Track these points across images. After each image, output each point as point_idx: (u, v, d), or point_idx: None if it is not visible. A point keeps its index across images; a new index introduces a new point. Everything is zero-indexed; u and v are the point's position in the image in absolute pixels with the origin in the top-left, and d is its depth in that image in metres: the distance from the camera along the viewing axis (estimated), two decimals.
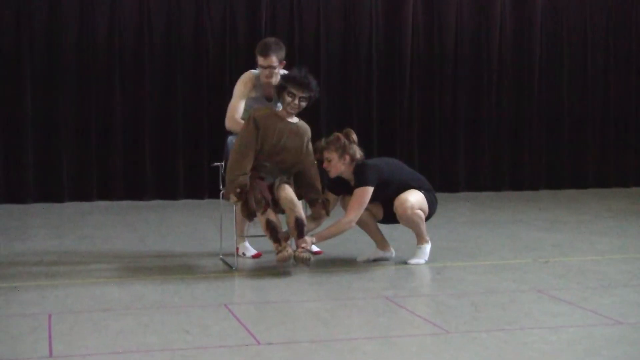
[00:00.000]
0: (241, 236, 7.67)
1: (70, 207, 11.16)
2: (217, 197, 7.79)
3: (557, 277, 6.88)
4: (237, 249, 7.61)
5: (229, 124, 7.57)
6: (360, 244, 7.82)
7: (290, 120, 7.24)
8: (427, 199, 7.31)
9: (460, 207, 11.48)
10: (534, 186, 13.38)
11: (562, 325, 5.44)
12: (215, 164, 7.55)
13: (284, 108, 7.22)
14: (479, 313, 5.76)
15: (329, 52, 12.55)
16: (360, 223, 7.29)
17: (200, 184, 11.92)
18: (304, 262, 6.94)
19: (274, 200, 7.10)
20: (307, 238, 7.02)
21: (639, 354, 4.88)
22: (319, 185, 7.37)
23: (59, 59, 11.49)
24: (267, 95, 7.65)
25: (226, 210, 7.81)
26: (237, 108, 7.55)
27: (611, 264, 7.40)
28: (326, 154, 7.18)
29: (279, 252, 6.93)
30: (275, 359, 4.76)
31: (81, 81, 11.62)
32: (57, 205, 11.30)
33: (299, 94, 7.13)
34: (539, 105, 13.40)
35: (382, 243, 7.53)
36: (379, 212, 7.44)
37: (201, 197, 11.92)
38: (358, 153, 7.21)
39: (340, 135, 7.21)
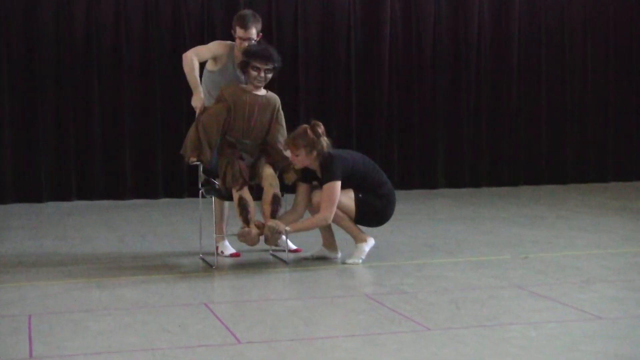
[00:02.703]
0: (220, 235, 7.68)
1: (50, 208, 11.11)
2: (197, 195, 7.79)
3: (536, 273, 6.91)
4: (217, 247, 7.61)
5: (184, 58, 7.58)
6: (338, 241, 7.78)
7: (258, 93, 7.32)
8: (363, 204, 7.28)
9: (439, 203, 11.51)
10: (513, 182, 13.41)
11: (541, 321, 5.46)
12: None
13: (250, 82, 7.33)
14: (459, 310, 5.78)
15: (307, 49, 12.52)
16: None
17: (179, 182, 11.90)
18: (276, 232, 6.97)
19: (251, 186, 7.17)
20: (281, 225, 7.03)
21: (618, 348, 4.90)
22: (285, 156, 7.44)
23: (37, 58, 11.43)
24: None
25: (206, 209, 7.81)
26: (200, 51, 7.64)
27: (590, 260, 7.43)
28: (293, 150, 7.17)
29: (242, 228, 7.04)
30: (256, 357, 4.76)
31: (59, 80, 11.56)
32: (36, 206, 11.24)
33: (263, 66, 7.27)
34: (518, 101, 13.42)
35: (329, 242, 7.54)
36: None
37: (180, 196, 11.90)
38: (325, 146, 7.19)
39: (307, 129, 7.17)
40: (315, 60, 12.62)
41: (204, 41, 11.81)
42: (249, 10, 7.90)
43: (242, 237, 7.06)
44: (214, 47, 7.68)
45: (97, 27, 11.66)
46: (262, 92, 7.42)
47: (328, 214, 7.09)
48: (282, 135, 7.46)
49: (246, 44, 7.50)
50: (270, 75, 7.34)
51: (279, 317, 5.68)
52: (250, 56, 7.27)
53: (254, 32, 7.53)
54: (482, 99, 13.28)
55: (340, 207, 7.19)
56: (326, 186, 7.10)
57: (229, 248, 7.70)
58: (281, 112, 7.49)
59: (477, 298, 6.10)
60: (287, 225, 7.10)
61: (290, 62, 12.18)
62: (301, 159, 7.17)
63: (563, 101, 13.67)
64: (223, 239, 7.72)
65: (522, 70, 13.46)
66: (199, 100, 7.45)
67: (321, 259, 7.50)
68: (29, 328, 5.36)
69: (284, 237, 7.39)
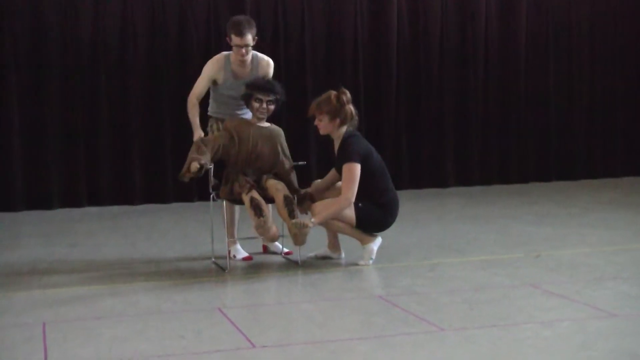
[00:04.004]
0: (232, 239, 7.68)
1: (60, 214, 11.11)
2: (207, 199, 7.80)
3: (549, 271, 6.90)
4: (229, 251, 7.61)
5: (189, 100, 7.83)
6: (345, 243, 7.74)
7: (261, 125, 7.38)
8: (363, 213, 7.25)
9: (450, 202, 11.49)
10: (523, 179, 13.39)
11: (555, 320, 5.46)
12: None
13: (254, 115, 7.42)
14: (472, 310, 5.78)
15: (313, 50, 12.51)
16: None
17: (189, 186, 11.86)
18: (303, 227, 6.89)
19: (259, 192, 7.18)
20: (306, 220, 7.01)
21: (633, 346, 4.90)
22: (297, 188, 7.54)
23: (45, 66, 11.43)
24: (240, 75, 7.69)
25: (216, 213, 7.81)
26: (199, 87, 7.78)
27: (602, 257, 7.42)
28: (318, 115, 7.28)
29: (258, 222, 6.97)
30: None
31: (67, 87, 11.55)
32: (47, 213, 11.24)
33: (266, 98, 7.38)
34: (526, 99, 13.39)
35: (333, 243, 7.58)
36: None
37: (191, 200, 11.90)
38: (350, 115, 7.29)
39: (332, 96, 7.27)
40: (322, 60, 12.59)
41: (210, 46, 11.90)
42: (243, 15, 7.93)
43: (260, 227, 6.99)
44: (208, 72, 7.73)
45: (103, 35, 11.63)
46: (266, 124, 7.50)
47: (349, 194, 7.09)
48: (290, 165, 7.56)
49: (243, 50, 7.51)
50: (272, 107, 7.44)
51: (292, 321, 5.70)
52: (253, 88, 7.38)
53: (249, 38, 7.50)
54: (490, 96, 13.25)
55: (341, 217, 7.19)
56: (345, 167, 7.15)
57: (241, 252, 7.71)
58: (285, 143, 7.57)
59: (490, 298, 6.10)
60: (312, 218, 7.10)
61: (297, 63, 12.21)
62: (324, 125, 7.30)
63: (570, 96, 13.64)
64: (235, 242, 7.72)
65: (530, 65, 13.42)
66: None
67: (325, 259, 7.53)
68: (44, 336, 5.37)
69: (277, 244, 7.75)
